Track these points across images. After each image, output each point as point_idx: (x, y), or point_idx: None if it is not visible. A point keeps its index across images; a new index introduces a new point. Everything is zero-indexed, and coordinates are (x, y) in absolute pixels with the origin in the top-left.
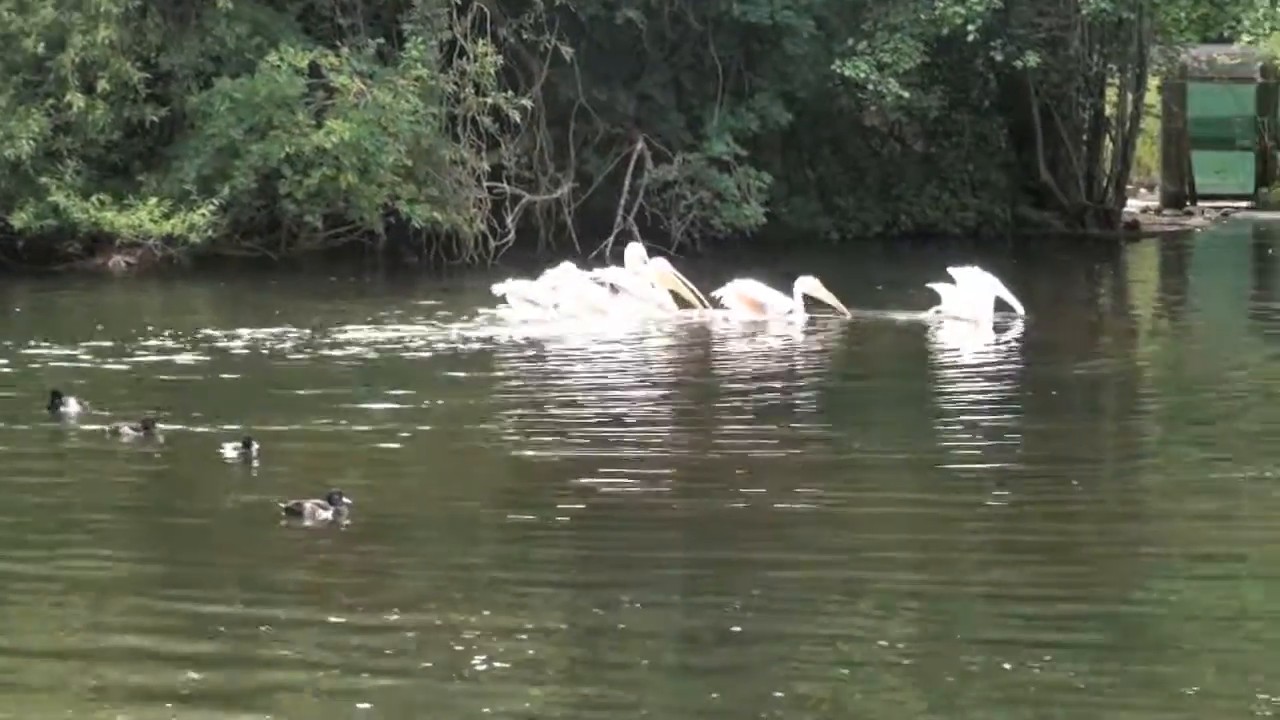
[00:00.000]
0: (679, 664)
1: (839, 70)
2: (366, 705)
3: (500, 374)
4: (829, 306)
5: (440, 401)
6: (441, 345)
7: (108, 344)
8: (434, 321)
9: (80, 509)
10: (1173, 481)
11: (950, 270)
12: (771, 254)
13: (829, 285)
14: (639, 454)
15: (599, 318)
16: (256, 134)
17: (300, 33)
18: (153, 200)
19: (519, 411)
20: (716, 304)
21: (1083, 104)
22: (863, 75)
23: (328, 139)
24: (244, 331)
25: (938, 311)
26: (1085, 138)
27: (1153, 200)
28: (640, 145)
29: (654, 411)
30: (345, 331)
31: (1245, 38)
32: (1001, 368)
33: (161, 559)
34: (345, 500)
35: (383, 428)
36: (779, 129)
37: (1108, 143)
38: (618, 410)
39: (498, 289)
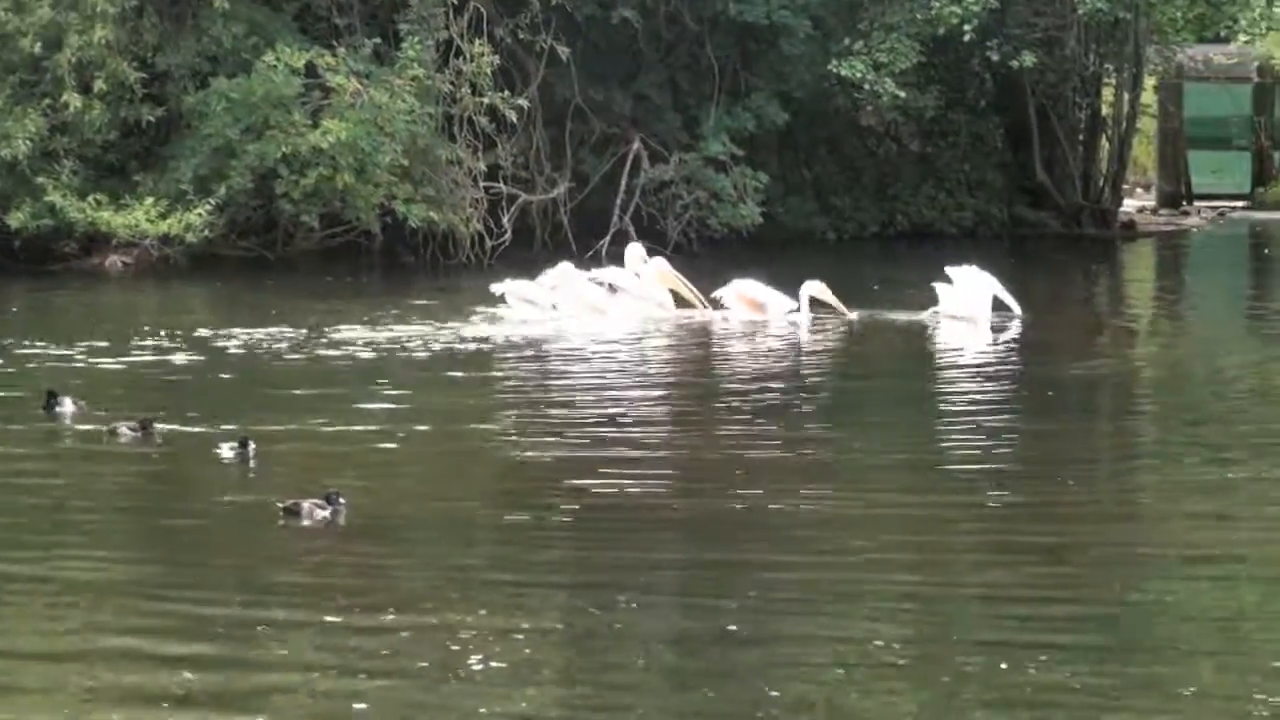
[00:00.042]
0: (675, 665)
1: (835, 70)
2: (363, 706)
3: (498, 374)
4: (833, 309)
5: (437, 401)
6: (438, 345)
7: (104, 344)
8: (430, 321)
9: (76, 509)
10: (1169, 482)
11: (948, 270)
12: (768, 254)
13: (827, 285)
14: (637, 454)
15: (598, 318)
16: (253, 134)
17: (296, 32)
18: (149, 200)
19: (516, 412)
20: (716, 304)
21: (1079, 104)
22: (859, 75)
23: (324, 139)
24: (240, 331)
25: (935, 312)
26: (1081, 137)
27: (1149, 200)
28: (636, 145)
29: (652, 412)
30: (341, 331)
31: (1241, 37)
32: (999, 368)
33: (158, 559)
34: (341, 500)
35: (379, 428)
36: (775, 129)
37: (1104, 142)
38: (616, 410)
39: (496, 289)
